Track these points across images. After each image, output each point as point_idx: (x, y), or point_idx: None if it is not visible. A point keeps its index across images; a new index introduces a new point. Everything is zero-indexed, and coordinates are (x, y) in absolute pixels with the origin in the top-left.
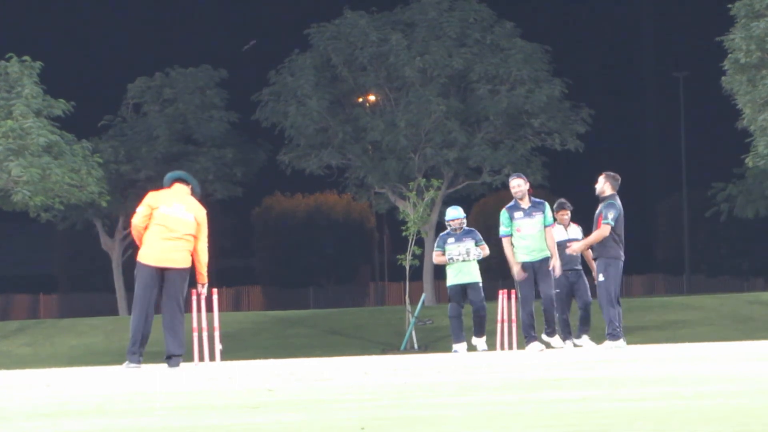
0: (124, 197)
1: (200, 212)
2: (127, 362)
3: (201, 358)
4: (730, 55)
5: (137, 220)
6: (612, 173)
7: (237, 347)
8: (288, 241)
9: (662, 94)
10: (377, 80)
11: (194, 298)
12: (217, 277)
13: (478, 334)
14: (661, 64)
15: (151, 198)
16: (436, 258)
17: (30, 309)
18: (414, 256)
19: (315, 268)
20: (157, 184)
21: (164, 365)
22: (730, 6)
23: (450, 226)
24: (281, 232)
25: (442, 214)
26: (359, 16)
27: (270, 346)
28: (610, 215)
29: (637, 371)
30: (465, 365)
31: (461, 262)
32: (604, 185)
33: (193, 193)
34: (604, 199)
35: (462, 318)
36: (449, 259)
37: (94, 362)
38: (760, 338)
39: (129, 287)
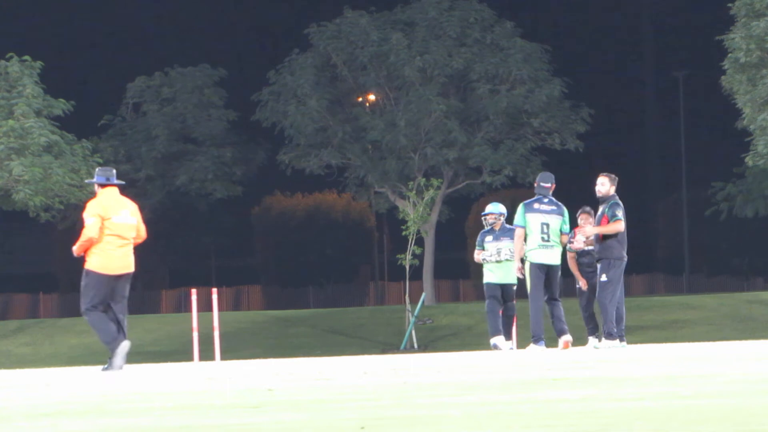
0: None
1: (136, 211)
2: (112, 367)
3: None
4: (729, 55)
5: (93, 232)
6: (612, 174)
7: (237, 347)
8: (288, 241)
9: (662, 93)
10: (377, 80)
11: (193, 297)
12: (216, 277)
13: (506, 337)
14: (660, 63)
15: (100, 208)
16: (476, 256)
17: (30, 308)
18: (414, 255)
19: (315, 268)
20: (157, 183)
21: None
22: (730, 5)
23: (485, 220)
24: (281, 232)
25: (442, 213)
26: (359, 16)
27: (270, 346)
28: (620, 213)
29: (637, 371)
30: (465, 365)
31: (494, 263)
32: (609, 187)
33: (120, 188)
34: (607, 199)
35: (499, 313)
36: (483, 260)
37: (94, 362)
38: (760, 338)
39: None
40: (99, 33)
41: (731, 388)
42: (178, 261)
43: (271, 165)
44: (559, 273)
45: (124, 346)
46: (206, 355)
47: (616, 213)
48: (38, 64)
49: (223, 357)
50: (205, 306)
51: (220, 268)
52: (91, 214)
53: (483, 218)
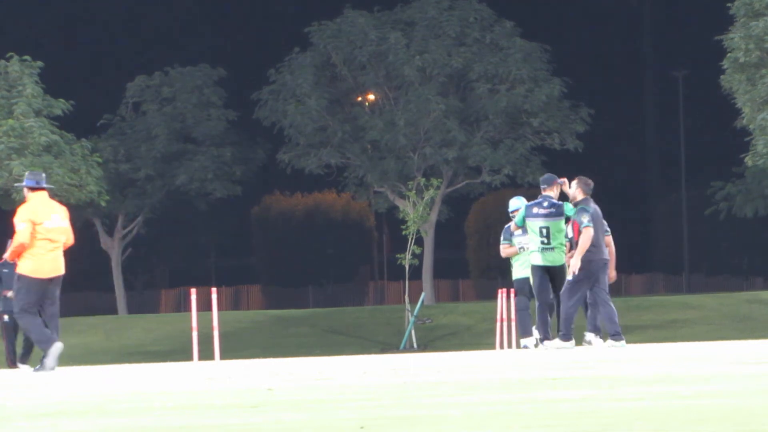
0: (124, 196)
1: (67, 215)
2: (44, 368)
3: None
4: (729, 54)
5: (25, 237)
6: (584, 177)
7: (236, 346)
8: (287, 240)
9: (661, 93)
10: (376, 79)
11: (193, 297)
12: (216, 276)
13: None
14: (660, 63)
15: (31, 213)
16: (504, 251)
17: None
18: (413, 255)
19: (314, 268)
20: (157, 182)
21: (29, 366)
22: (729, 5)
23: (514, 216)
24: (280, 231)
25: (442, 213)
26: (359, 15)
27: (269, 345)
28: (585, 219)
29: (636, 371)
30: (465, 365)
31: (529, 252)
32: (575, 191)
33: (49, 192)
34: (577, 204)
35: (530, 311)
36: (520, 249)
37: (93, 361)
38: (760, 337)
39: (128, 286)
40: (99, 33)
41: (731, 388)
42: (177, 261)
43: (271, 164)
44: (565, 272)
45: (57, 347)
46: (206, 354)
47: (583, 220)
48: (38, 64)
49: (223, 357)
50: (205, 305)
51: (220, 267)
52: (22, 219)
53: (511, 214)
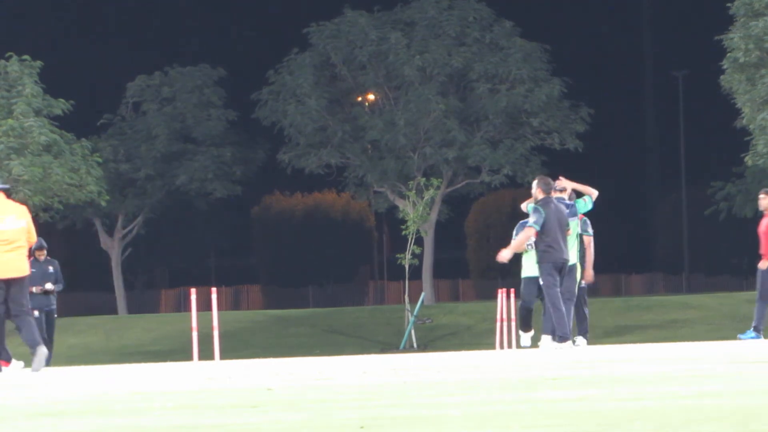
0: (124, 196)
1: (26, 214)
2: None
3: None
4: (729, 54)
5: None
6: (544, 177)
7: (236, 346)
8: (287, 240)
9: (661, 93)
10: (376, 79)
11: (193, 297)
12: (216, 276)
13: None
14: (660, 63)
15: None
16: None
17: None
18: (413, 255)
19: (314, 267)
20: (157, 182)
21: (32, 361)
22: (729, 5)
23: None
24: (280, 231)
25: (442, 212)
26: (359, 15)
27: (269, 345)
28: (532, 219)
29: (636, 370)
30: (464, 365)
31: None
32: (536, 190)
33: (6, 193)
34: (537, 202)
35: (532, 309)
36: (528, 246)
37: (93, 361)
38: None
39: (128, 286)
40: (99, 33)
41: (731, 388)
42: (177, 260)
43: (271, 164)
44: (574, 271)
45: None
46: (206, 354)
47: (529, 219)
48: (38, 63)
49: (223, 357)
50: (205, 305)
51: (220, 267)
52: None
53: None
